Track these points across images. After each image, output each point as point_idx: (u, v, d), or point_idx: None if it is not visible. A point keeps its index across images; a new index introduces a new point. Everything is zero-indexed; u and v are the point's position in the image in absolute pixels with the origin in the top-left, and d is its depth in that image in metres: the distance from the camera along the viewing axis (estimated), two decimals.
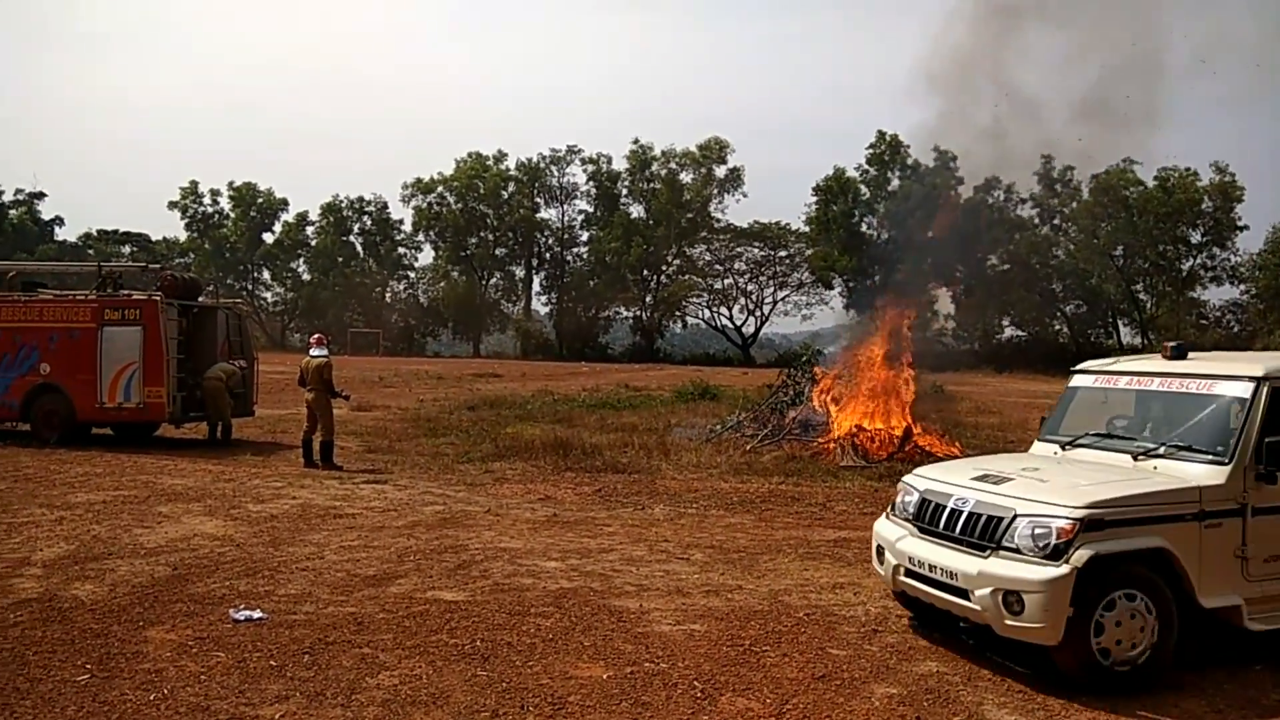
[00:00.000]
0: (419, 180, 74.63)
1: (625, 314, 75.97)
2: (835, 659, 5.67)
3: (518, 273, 77.64)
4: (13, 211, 73.16)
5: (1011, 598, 5.18)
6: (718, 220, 73.48)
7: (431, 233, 75.32)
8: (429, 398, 25.73)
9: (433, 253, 76.87)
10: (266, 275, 78.79)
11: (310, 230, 76.80)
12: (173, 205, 75.36)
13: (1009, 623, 5.21)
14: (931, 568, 5.72)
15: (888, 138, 66.60)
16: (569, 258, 76.94)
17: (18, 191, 73.73)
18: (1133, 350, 57.14)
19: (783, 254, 73.66)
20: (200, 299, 16.19)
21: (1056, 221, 64.12)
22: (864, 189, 68.23)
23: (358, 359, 53.21)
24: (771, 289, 75.08)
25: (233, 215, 75.90)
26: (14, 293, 15.48)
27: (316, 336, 14.14)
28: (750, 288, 75.66)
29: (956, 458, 14.19)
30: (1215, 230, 58.32)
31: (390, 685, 5.07)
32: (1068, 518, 5.18)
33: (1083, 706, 5.04)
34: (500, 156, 75.12)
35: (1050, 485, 5.60)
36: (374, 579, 7.22)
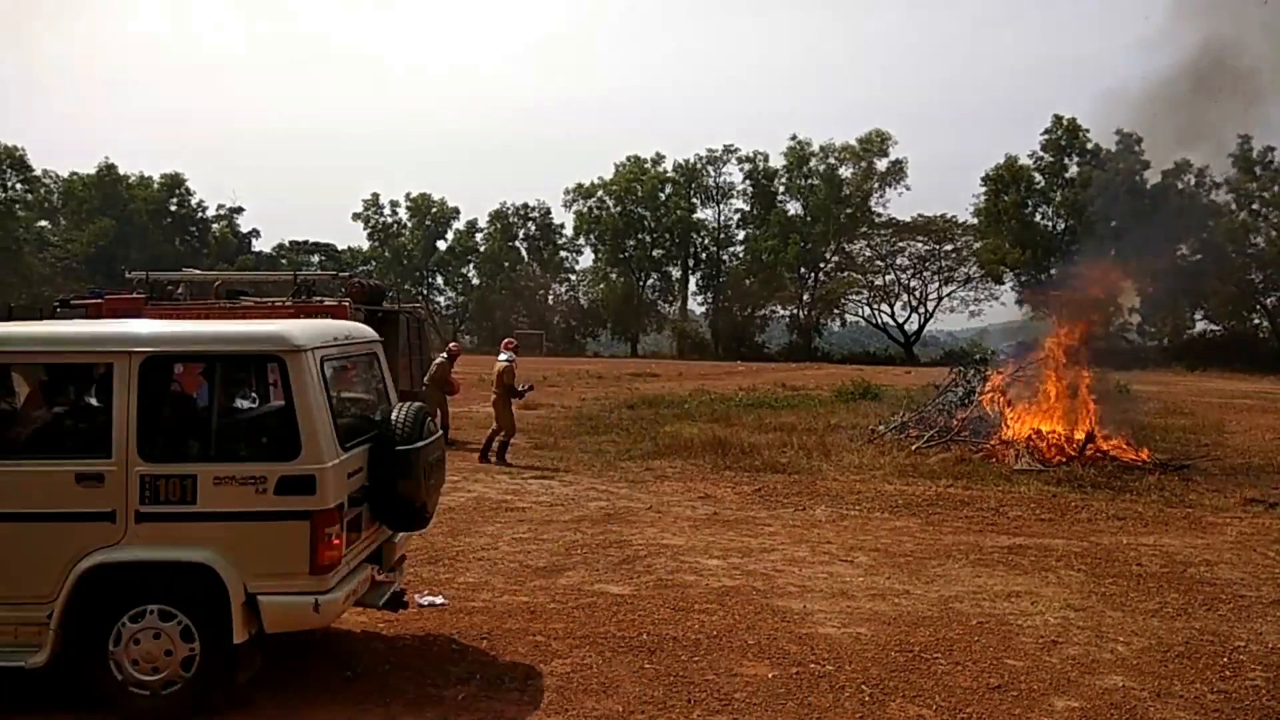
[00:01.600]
0: (580, 185, 76.58)
1: (782, 312, 75.18)
2: (1012, 669, 5.46)
3: (674, 273, 78.31)
4: (215, 225, 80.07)
5: None
6: (879, 215, 71.58)
7: (591, 236, 77.06)
8: (590, 396, 26.35)
9: (592, 255, 78.73)
10: (440, 280, 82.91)
11: (479, 237, 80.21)
12: (356, 216, 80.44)
13: None
14: None
15: (1065, 122, 63.01)
16: (725, 257, 76.90)
17: (219, 207, 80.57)
18: None
19: (948, 248, 70.88)
20: (383, 304, 17.18)
21: (1255, 206, 58.84)
22: (1038, 177, 64.83)
23: (523, 359, 54.65)
24: (936, 284, 72.36)
25: (409, 225, 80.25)
26: (220, 300, 16.89)
27: (506, 340, 14.80)
28: (913, 283, 73.21)
29: (1144, 463, 13.36)
30: None
31: (563, 673, 5.28)
32: None
33: None
34: (658, 159, 76.03)
35: None
36: (545, 570, 7.50)
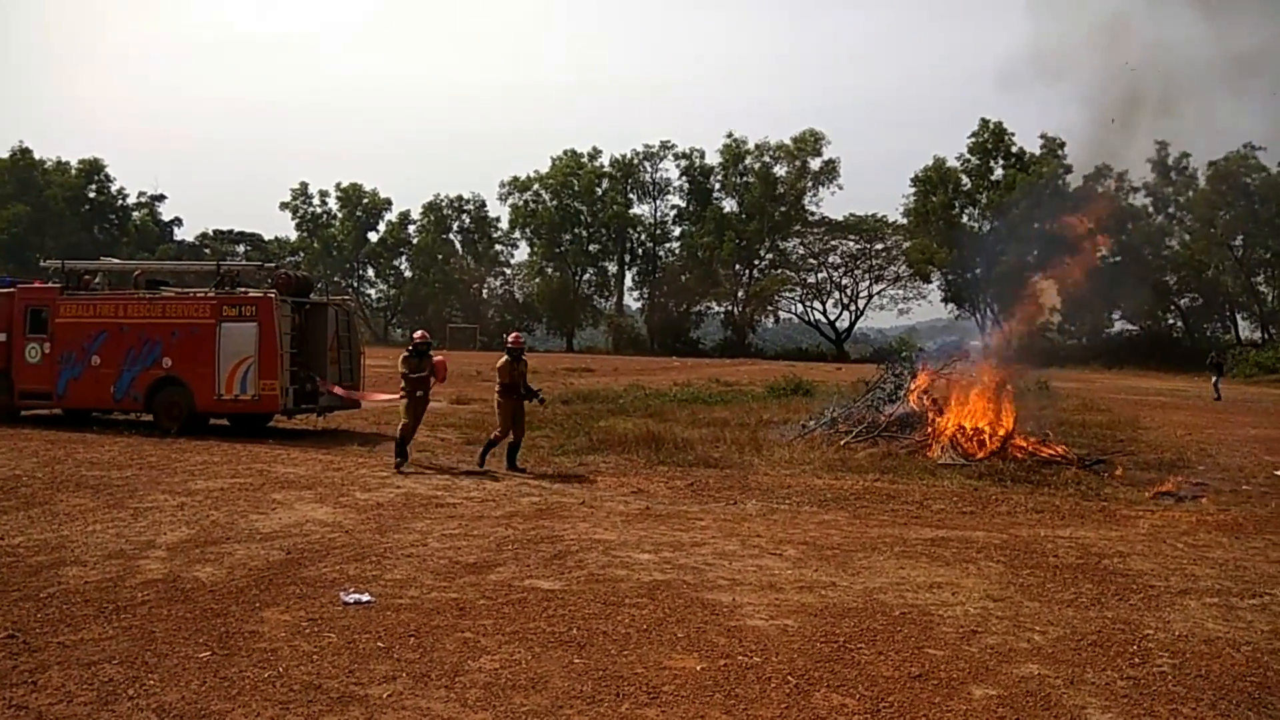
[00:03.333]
0: (515, 178, 76.08)
1: (717, 309, 75.94)
2: (932, 659, 5.59)
3: (610, 268, 78.42)
4: (136, 214, 77.42)
5: None
6: (812, 213, 72.76)
7: (527, 230, 76.68)
8: None
9: (528, 249, 78.33)
10: (371, 273, 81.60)
11: (412, 229, 79.12)
12: (284, 206, 78.66)
13: None
14: None
15: (991, 125, 64.70)
16: (661, 253, 77.28)
17: (140, 194, 78.03)
18: (1251, 345, 54.24)
19: (879, 247, 72.43)
20: (311, 296, 16.81)
21: (1171, 210, 61.24)
22: (965, 179, 66.44)
23: (456, 353, 54.45)
24: (867, 283, 73.94)
25: (340, 215, 78.71)
26: (139, 291, 16.35)
27: (514, 335, 13.17)
28: (845, 281, 74.67)
29: (1062, 458, 13.80)
30: None
31: (491, 669, 5.24)
32: None
33: (1189, 714, 4.86)
34: (595, 154, 75.98)
35: None
36: (474, 566, 7.43)
